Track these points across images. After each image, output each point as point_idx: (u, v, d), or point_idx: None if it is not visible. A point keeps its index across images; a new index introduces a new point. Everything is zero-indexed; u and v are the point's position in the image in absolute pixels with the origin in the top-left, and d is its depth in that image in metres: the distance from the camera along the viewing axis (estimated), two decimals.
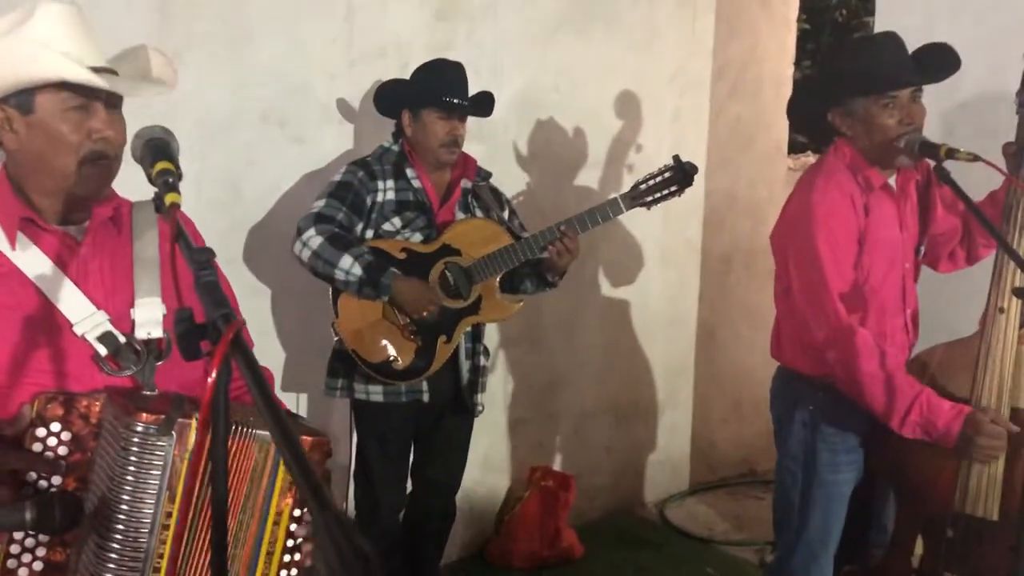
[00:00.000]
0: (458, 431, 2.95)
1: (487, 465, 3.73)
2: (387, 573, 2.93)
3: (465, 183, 2.87)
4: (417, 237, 2.74)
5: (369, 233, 2.73)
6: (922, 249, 2.39)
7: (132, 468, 1.28)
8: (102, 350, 1.45)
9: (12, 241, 1.46)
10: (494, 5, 3.45)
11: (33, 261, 1.46)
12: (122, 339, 1.47)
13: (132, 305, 1.50)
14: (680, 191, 2.81)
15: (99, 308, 1.49)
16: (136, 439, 1.28)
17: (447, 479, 3.00)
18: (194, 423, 1.31)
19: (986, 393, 2.07)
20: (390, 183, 2.74)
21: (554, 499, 3.66)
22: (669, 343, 4.29)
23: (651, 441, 4.32)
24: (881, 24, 3.37)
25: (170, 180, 1.18)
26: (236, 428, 1.36)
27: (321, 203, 2.68)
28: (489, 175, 2.98)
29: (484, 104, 2.86)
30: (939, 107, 3.22)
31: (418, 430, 2.91)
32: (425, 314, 2.65)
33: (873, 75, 2.15)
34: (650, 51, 3.96)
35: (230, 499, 1.34)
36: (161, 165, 1.20)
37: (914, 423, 2.08)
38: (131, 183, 1.62)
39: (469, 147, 3.42)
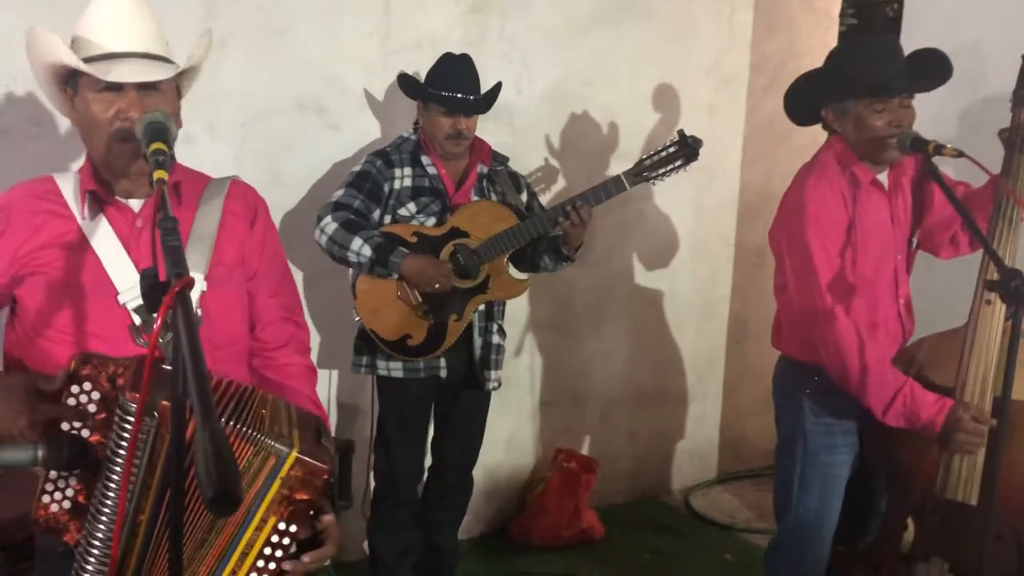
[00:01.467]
0: (474, 407, 3.07)
1: (512, 445, 3.86)
2: (406, 543, 3.05)
3: (481, 168, 2.97)
4: (432, 221, 2.86)
5: (387, 219, 2.86)
6: (914, 241, 2.45)
7: (122, 443, 1.34)
8: (137, 320, 1.58)
9: (83, 211, 1.62)
10: (528, 0, 3.55)
11: (97, 230, 1.62)
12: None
13: None
14: (685, 165, 2.85)
15: None
16: (128, 416, 1.34)
17: (464, 453, 3.12)
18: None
19: (970, 384, 2.13)
20: (407, 170, 2.87)
21: (576, 481, 3.77)
22: (700, 334, 4.36)
23: (679, 429, 4.40)
24: (909, 24, 3.40)
25: (160, 159, 1.32)
26: (232, 424, 1.37)
27: (340, 192, 2.83)
28: (506, 159, 3.07)
29: (488, 99, 2.94)
30: (961, 105, 3.26)
31: (437, 405, 3.05)
32: (437, 286, 2.76)
33: (866, 81, 2.22)
34: (685, 44, 4.02)
35: None
36: (155, 146, 1.34)
37: (898, 413, 2.15)
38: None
39: (502, 138, 3.56)
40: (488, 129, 3.50)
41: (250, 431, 1.38)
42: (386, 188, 2.85)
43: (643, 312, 4.16)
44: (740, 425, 4.54)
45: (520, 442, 3.91)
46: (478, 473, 3.26)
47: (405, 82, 2.95)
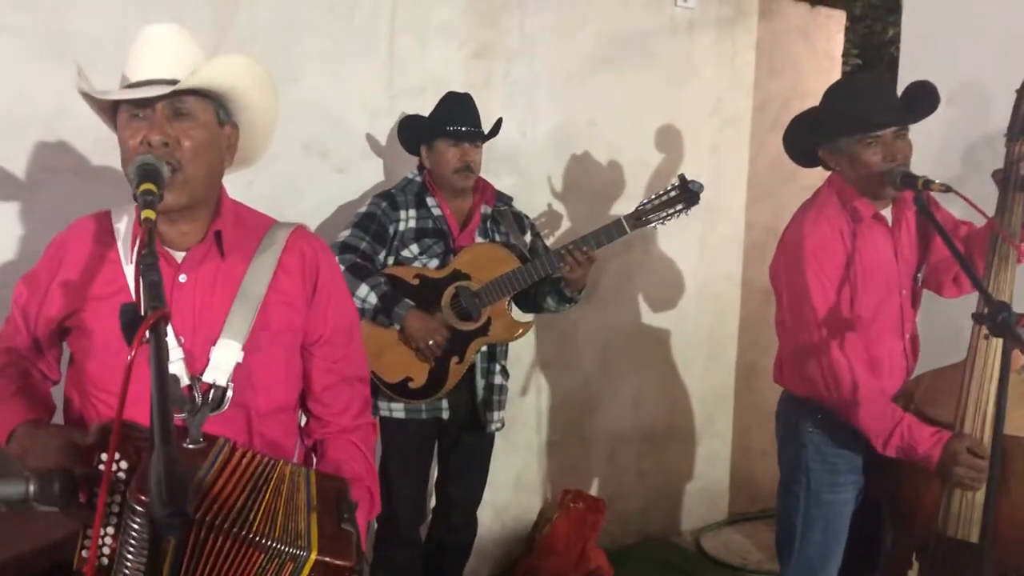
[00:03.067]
0: (477, 448, 3.07)
1: (520, 485, 3.85)
2: None
3: (485, 209, 3.01)
4: (434, 263, 2.89)
5: (391, 260, 2.89)
6: (920, 277, 2.45)
7: (132, 542, 1.27)
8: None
9: (130, 257, 1.54)
10: (530, 45, 3.62)
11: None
12: (185, 381, 1.50)
13: (215, 343, 1.53)
14: (686, 209, 2.85)
15: (182, 340, 1.52)
16: (136, 516, 1.26)
17: (467, 495, 3.11)
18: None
19: (969, 420, 2.12)
20: (412, 212, 2.91)
21: (583, 521, 3.74)
22: (708, 373, 4.35)
23: (688, 470, 4.37)
24: (906, 62, 3.44)
25: (149, 198, 1.32)
26: (241, 533, 1.28)
27: (347, 233, 2.86)
28: (510, 199, 3.11)
29: (492, 130, 3.01)
30: (966, 142, 3.27)
31: (440, 447, 3.05)
32: (432, 343, 2.79)
33: (853, 117, 2.25)
34: (688, 86, 4.08)
35: None
36: (145, 186, 1.34)
37: (895, 447, 2.15)
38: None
39: (507, 181, 3.60)
40: (493, 170, 3.56)
41: (262, 540, 1.28)
42: (391, 230, 2.89)
43: (650, 351, 4.16)
44: (750, 465, 4.51)
45: (527, 482, 3.90)
46: (485, 513, 3.25)
47: (409, 123, 3.00)
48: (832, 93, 2.40)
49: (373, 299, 2.76)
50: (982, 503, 2.09)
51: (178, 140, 1.51)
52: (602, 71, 3.82)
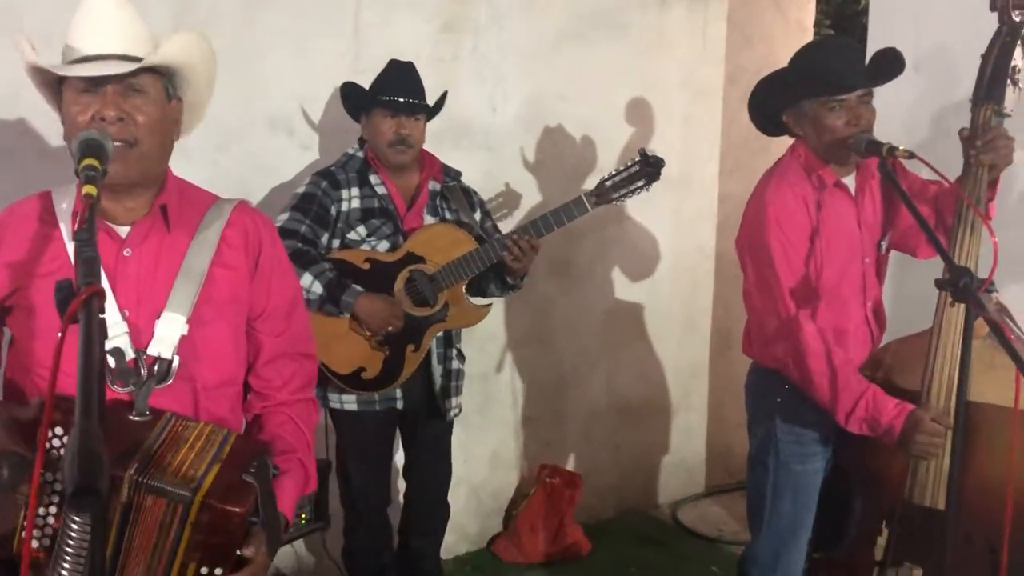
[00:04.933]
0: (437, 437, 2.98)
1: (496, 462, 3.85)
2: (381, 567, 3.02)
3: (433, 185, 2.86)
4: (384, 245, 2.75)
5: (335, 243, 2.74)
6: (883, 244, 2.45)
7: (74, 523, 1.33)
8: (112, 363, 1.49)
9: (72, 234, 1.51)
10: (499, 18, 3.57)
11: None
12: (130, 355, 1.51)
13: (159, 316, 1.54)
14: (647, 185, 2.81)
15: (127, 313, 1.53)
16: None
17: (436, 481, 3.04)
18: (127, 476, 1.35)
19: (935, 386, 2.12)
20: (355, 191, 2.75)
21: (560, 496, 3.75)
22: (682, 346, 4.36)
23: (664, 443, 4.39)
24: (874, 30, 3.43)
25: (90, 174, 1.30)
26: (140, 479, 1.36)
27: (285, 217, 2.70)
28: (459, 174, 2.97)
29: (436, 102, 2.87)
30: (934, 108, 3.28)
31: (401, 435, 2.99)
32: (390, 328, 2.69)
33: (817, 79, 2.23)
34: (659, 58, 4.05)
35: (142, 541, 1.38)
36: (87, 161, 1.32)
37: (860, 419, 2.16)
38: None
39: (477, 155, 3.57)
40: (463, 147, 3.53)
41: (154, 483, 1.36)
42: (333, 211, 2.73)
43: (624, 326, 4.16)
44: (726, 437, 4.53)
45: (504, 459, 3.90)
46: (461, 490, 3.24)
47: (350, 91, 2.85)
48: (798, 55, 2.38)
49: (318, 288, 2.62)
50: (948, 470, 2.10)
51: (132, 116, 1.52)
52: (572, 45, 3.79)
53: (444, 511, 3.12)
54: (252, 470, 1.44)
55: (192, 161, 3.00)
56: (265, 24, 3.09)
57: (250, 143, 3.13)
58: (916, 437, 2.07)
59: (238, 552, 1.43)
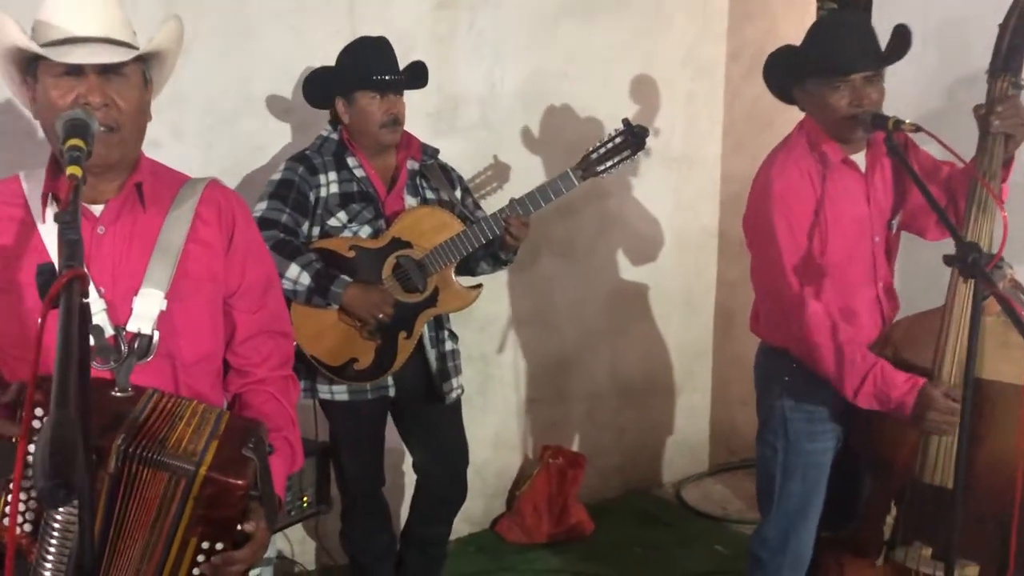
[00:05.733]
0: (444, 419, 2.90)
1: (499, 443, 3.83)
2: (382, 547, 3.00)
3: (411, 164, 2.78)
4: (366, 230, 2.67)
5: (316, 231, 2.67)
6: (894, 223, 2.40)
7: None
8: (91, 341, 1.43)
9: (42, 216, 1.53)
10: None
11: (55, 237, 1.45)
12: (109, 331, 1.50)
13: (136, 293, 1.54)
14: (633, 155, 2.74)
15: (104, 292, 1.53)
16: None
17: (453, 467, 2.96)
18: (114, 446, 1.35)
19: (947, 364, 2.09)
20: (332, 175, 2.67)
21: (563, 477, 3.74)
22: (686, 326, 4.33)
23: (668, 423, 4.37)
24: (880, 2, 3.37)
25: (75, 154, 1.27)
26: (140, 452, 1.36)
27: (263, 206, 2.61)
28: (436, 152, 2.88)
29: (418, 75, 2.79)
30: (947, 80, 3.22)
31: (399, 424, 2.93)
32: (381, 316, 2.62)
33: (822, 59, 2.19)
34: (660, 34, 3.99)
35: (139, 517, 1.38)
36: (72, 142, 1.29)
37: (868, 395, 2.12)
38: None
39: (475, 134, 3.53)
40: (461, 125, 3.49)
41: (156, 456, 1.36)
42: (312, 197, 2.65)
43: (627, 305, 4.12)
44: (730, 416, 4.51)
45: (507, 440, 3.87)
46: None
47: (321, 76, 2.74)
48: (808, 33, 2.34)
49: (306, 279, 2.54)
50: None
51: (115, 101, 1.52)
52: (571, 21, 3.73)
53: (462, 495, 3.03)
54: (251, 445, 1.44)
55: (186, 143, 2.98)
56: (258, 3, 3.04)
57: (246, 123, 3.08)
58: (929, 414, 2.04)
59: (238, 527, 1.43)
